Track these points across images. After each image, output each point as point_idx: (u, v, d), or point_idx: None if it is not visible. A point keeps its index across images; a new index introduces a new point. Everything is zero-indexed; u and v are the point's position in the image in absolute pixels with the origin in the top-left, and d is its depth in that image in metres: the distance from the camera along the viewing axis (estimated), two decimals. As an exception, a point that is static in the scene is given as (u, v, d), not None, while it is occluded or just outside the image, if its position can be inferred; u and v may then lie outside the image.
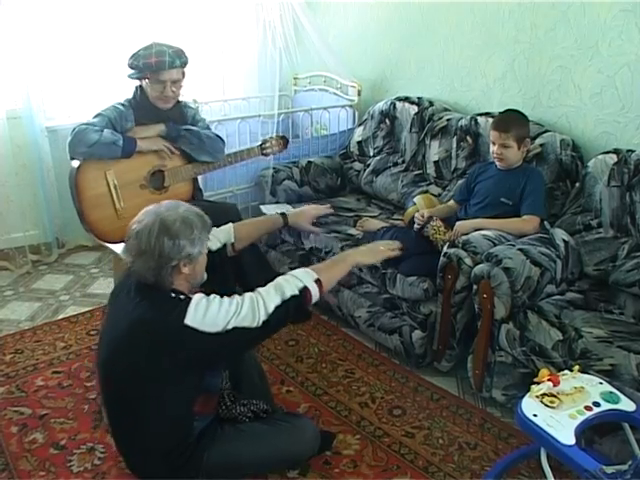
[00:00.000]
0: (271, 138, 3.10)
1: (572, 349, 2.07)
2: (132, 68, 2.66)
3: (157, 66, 2.60)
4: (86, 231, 2.69)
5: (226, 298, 1.70)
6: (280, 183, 3.50)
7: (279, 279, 1.79)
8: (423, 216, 2.75)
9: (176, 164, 2.78)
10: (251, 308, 1.68)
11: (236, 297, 1.71)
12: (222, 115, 3.83)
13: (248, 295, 1.73)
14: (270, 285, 1.78)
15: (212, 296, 1.69)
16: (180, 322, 1.60)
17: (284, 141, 3.15)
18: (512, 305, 2.26)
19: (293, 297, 1.75)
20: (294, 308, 1.75)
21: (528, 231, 2.53)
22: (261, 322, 1.67)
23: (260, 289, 1.76)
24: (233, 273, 2.37)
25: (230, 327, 1.63)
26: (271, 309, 1.70)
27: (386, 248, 2.18)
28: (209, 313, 1.63)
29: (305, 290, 1.78)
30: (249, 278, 2.42)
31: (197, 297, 1.67)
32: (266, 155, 3.10)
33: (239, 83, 4.33)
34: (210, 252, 1.94)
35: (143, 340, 1.62)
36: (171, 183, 2.76)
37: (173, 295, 1.67)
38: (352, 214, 3.36)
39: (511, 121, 2.63)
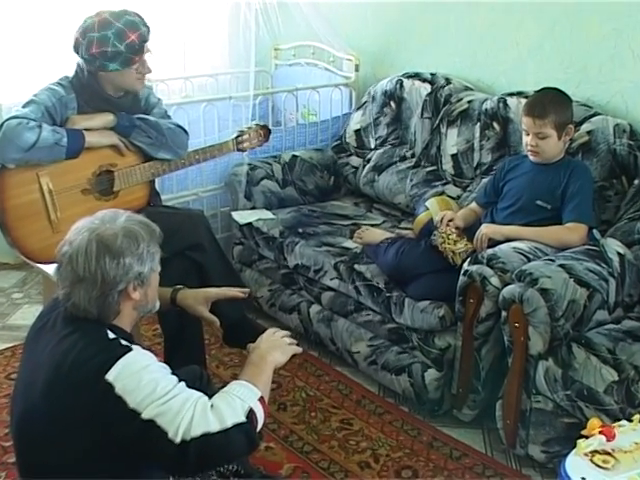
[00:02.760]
0: (249, 129, 3.08)
1: (631, 393, 2.06)
2: (111, 61, 2.54)
3: (141, 40, 2.57)
4: (10, 246, 2.66)
5: (170, 375, 1.60)
6: (257, 183, 3.50)
7: (215, 399, 1.60)
8: (450, 221, 2.75)
9: (129, 163, 2.75)
10: (179, 408, 1.52)
11: (181, 385, 1.59)
12: (183, 97, 3.83)
13: (190, 392, 1.58)
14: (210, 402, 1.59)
15: (154, 361, 1.61)
16: (100, 374, 1.51)
17: (265, 132, 3.14)
18: (552, 337, 2.25)
19: (237, 426, 1.55)
20: (239, 441, 1.55)
21: (572, 242, 2.53)
22: (179, 439, 1.49)
23: (201, 396, 1.59)
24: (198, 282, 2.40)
25: (149, 416, 1.49)
26: (197, 432, 1.50)
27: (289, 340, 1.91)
28: (142, 379, 1.52)
29: (251, 414, 1.59)
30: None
31: (138, 353, 1.59)
32: (242, 151, 3.10)
33: (205, 56, 4.34)
34: None
35: (63, 391, 1.55)
36: (122, 187, 2.73)
37: (111, 336, 1.62)
38: (348, 222, 3.35)
39: (549, 103, 2.62)
